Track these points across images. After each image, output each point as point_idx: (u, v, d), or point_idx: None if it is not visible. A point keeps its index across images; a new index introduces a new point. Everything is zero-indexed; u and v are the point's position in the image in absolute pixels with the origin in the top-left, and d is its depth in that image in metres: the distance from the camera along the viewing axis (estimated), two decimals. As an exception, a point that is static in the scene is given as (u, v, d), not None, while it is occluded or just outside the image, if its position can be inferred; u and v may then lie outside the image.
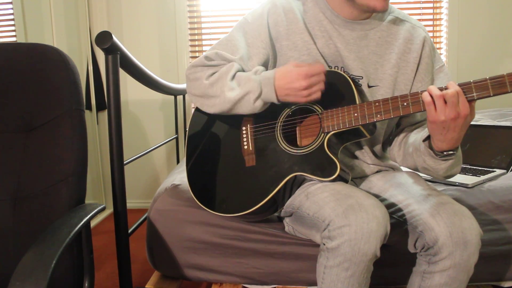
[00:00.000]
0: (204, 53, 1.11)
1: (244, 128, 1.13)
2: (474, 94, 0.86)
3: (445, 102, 0.86)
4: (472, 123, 1.87)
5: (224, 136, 1.15)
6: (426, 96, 0.88)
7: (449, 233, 0.89)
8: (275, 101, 1.01)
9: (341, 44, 1.07)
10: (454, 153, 0.95)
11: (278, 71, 1.00)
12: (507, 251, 1.20)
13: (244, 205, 1.07)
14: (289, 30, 1.09)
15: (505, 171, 1.45)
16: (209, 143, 1.18)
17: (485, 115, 2.15)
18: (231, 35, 1.12)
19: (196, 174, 1.18)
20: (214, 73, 1.07)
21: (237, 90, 1.02)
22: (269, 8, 1.10)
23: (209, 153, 1.17)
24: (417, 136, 1.05)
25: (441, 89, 0.88)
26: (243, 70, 1.09)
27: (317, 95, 0.98)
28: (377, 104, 0.97)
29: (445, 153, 0.95)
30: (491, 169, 1.47)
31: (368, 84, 1.08)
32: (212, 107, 1.07)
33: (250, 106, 1.03)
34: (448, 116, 0.86)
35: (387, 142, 1.18)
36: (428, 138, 0.98)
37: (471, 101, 0.87)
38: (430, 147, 0.97)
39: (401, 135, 1.14)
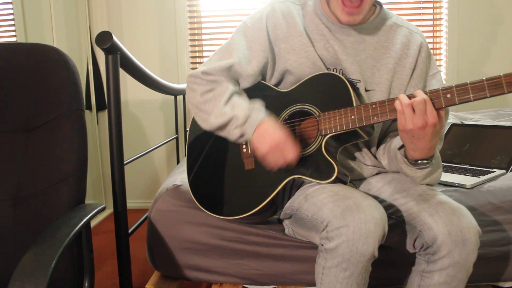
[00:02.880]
0: (202, 68, 1.11)
1: None
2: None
3: (414, 110, 0.86)
4: (472, 123, 1.88)
5: (223, 140, 1.15)
6: (397, 105, 0.89)
7: (448, 232, 0.90)
8: (248, 137, 1.03)
9: (338, 47, 1.08)
10: (428, 162, 0.95)
11: (264, 124, 1.01)
12: (507, 252, 1.20)
13: (243, 208, 1.08)
14: (287, 33, 1.09)
15: (504, 171, 1.45)
16: (209, 146, 1.18)
17: (485, 115, 2.15)
18: (232, 40, 1.13)
19: (197, 177, 1.18)
20: (209, 91, 1.08)
21: (224, 117, 1.04)
22: (268, 12, 1.11)
23: (209, 156, 1.18)
24: (397, 143, 1.06)
25: (409, 96, 0.88)
26: (241, 83, 1.11)
27: (273, 164, 1.01)
28: (373, 106, 0.97)
29: (419, 161, 0.95)
30: (490, 170, 1.47)
31: (365, 88, 1.09)
32: (203, 121, 1.10)
33: (229, 132, 1.06)
34: (415, 125, 0.86)
35: (378, 144, 1.18)
36: (403, 146, 0.99)
37: (439, 109, 0.87)
38: (406, 156, 0.98)
39: (387, 139, 1.14)
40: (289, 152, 0.99)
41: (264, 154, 1.00)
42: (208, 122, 1.07)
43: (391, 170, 1.13)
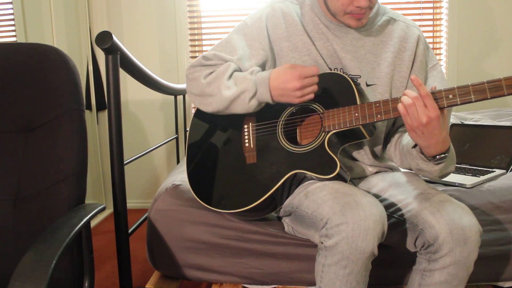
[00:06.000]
0: (202, 54, 1.12)
1: (245, 125, 1.14)
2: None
3: (416, 109, 0.88)
4: (472, 123, 1.88)
5: (225, 133, 1.16)
6: (400, 108, 0.90)
7: (449, 230, 0.90)
8: (270, 101, 1.03)
9: (337, 45, 1.09)
10: (445, 156, 0.95)
11: (274, 71, 1.03)
12: (506, 251, 1.20)
13: (243, 201, 1.08)
14: (288, 32, 1.10)
15: (504, 171, 1.46)
16: (211, 140, 1.18)
17: (485, 115, 2.15)
18: (230, 37, 1.14)
19: (197, 170, 1.18)
20: (211, 73, 1.09)
21: (233, 89, 1.04)
22: (268, 11, 1.13)
23: (210, 150, 1.18)
24: (409, 139, 1.06)
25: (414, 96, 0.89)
26: (240, 70, 1.11)
27: (310, 96, 1.02)
28: (377, 104, 0.98)
29: (437, 157, 0.95)
30: (490, 169, 1.47)
31: (366, 83, 1.10)
32: (209, 105, 1.09)
33: (245, 105, 1.05)
34: (420, 122, 0.87)
35: (385, 142, 1.19)
36: (416, 145, 0.99)
37: (441, 109, 0.88)
38: (422, 152, 0.98)
39: (396, 135, 1.15)
40: (309, 69, 1.00)
41: (299, 97, 1.00)
42: (215, 103, 1.07)
43: (404, 167, 1.13)
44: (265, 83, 1.01)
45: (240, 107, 1.05)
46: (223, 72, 1.06)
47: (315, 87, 1.01)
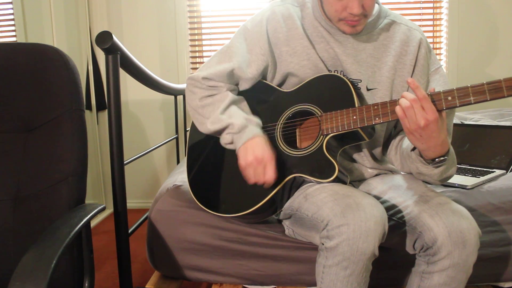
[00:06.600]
0: (203, 73, 1.12)
1: None
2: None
3: (414, 111, 0.87)
4: (472, 123, 1.88)
5: None
6: (398, 111, 0.90)
7: (448, 233, 0.90)
8: (236, 147, 1.06)
9: (338, 49, 1.08)
10: (445, 159, 0.95)
11: (256, 139, 1.03)
12: (506, 252, 1.20)
13: (243, 206, 1.08)
14: (288, 36, 1.10)
15: (504, 171, 1.45)
16: (210, 143, 1.18)
17: (485, 115, 2.15)
18: (232, 42, 1.14)
19: (197, 175, 1.18)
20: (208, 96, 1.11)
21: (220, 124, 1.06)
22: (268, 15, 1.12)
23: (210, 154, 1.18)
24: (409, 142, 1.05)
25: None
26: (238, 101, 1.13)
27: (248, 179, 1.03)
28: (375, 107, 0.97)
29: (436, 160, 0.95)
30: (490, 170, 1.47)
31: (366, 87, 1.09)
32: (200, 124, 1.13)
33: (223, 141, 1.09)
34: (418, 124, 0.87)
35: (386, 145, 1.18)
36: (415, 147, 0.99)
37: (440, 111, 0.88)
38: (421, 155, 0.98)
39: (397, 138, 1.14)
40: (269, 172, 1.01)
41: (246, 165, 1.02)
42: (205, 126, 1.10)
43: (404, 171, 1.13)
44: (246, 137, 1.03)
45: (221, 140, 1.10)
46: (220, 100, 1.09)
47: (254, 177, 1.02)
